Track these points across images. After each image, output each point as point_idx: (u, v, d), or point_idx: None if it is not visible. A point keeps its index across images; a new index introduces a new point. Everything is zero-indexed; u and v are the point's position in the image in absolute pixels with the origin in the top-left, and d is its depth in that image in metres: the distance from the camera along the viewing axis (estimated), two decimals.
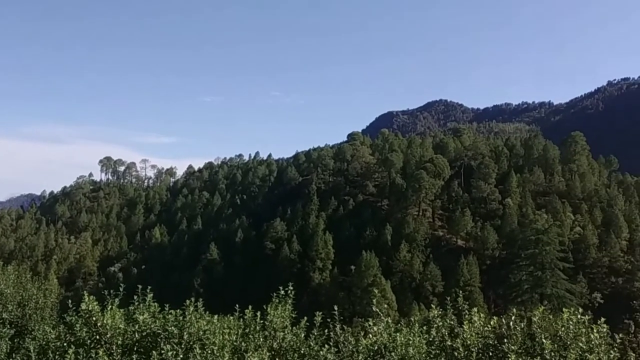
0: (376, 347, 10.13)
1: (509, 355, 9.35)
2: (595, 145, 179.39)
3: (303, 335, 10.80)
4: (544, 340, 9.56)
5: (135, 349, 10.19)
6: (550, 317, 10.27)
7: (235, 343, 10.48)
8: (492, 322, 10.20)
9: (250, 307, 11.21)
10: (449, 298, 11.78)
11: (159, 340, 10.18)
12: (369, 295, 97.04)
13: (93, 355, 9.67)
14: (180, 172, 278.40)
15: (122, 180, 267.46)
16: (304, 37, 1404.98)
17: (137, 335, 10.34)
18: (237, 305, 11.66)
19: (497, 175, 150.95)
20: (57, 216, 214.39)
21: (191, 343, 10.06)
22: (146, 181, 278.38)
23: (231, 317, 11.42)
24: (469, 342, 9.84)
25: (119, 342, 10.16)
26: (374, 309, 12.48)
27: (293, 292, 11.30)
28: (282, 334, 10.69)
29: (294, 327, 10.90)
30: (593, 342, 9.54)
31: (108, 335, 10.10)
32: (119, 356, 10.00)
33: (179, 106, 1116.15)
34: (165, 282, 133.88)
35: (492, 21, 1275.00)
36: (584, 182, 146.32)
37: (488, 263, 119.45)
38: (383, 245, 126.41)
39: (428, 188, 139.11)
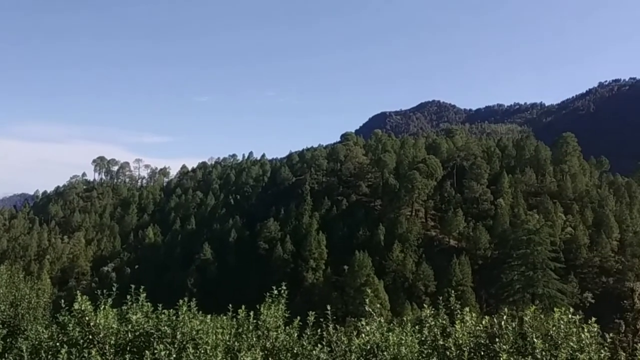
0: (369, 347, 10.17)
1: (500, 355, 9.40)
2: (586, 146, 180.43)
3: (296, 334, 10.82)
4: (535, 340, 9.61)
5: (128, 348, 10.18)
6: (542, 316, 10.33)
7: (228, 343, 10.49)
8: (484, 322, 10.25)
9: (243, 306, 11.21)
10: (441, 298, 11.85)
11: (152, 340, 10.16)
12: (362, 295, 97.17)
13: (86, 355, 9.65)
14: (173, 172, 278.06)
15: (115, 180, 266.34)
16: (299, 37, 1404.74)
17: (130, 335, 10.33)
18: (230, 305, 11.65)
19: (489, 176, 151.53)
20: (50, 216, 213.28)
21: (184, 343, 10.05)
22: (140, 181, 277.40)
23: (224, 317, 11.41)
24: (461, 342, 9.88)
25: (112, 342, 10.14)
26: (366, 308, 12.52)
27: (286, 292, 11.31)
28: (275, 333, 10.71)
29: (287, 327, 10.91)
30: (584, 342, 9.60)
31: (101, 335, 10.08)
32: (111, 356, 9.99)
33: (173, 106, 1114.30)
34: (158, 282, 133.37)
35: (485, 22, 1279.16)
36: (575, 183, 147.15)
37: (480, 263, 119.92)
38: (376, 245, 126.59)
39: (421, 188, 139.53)
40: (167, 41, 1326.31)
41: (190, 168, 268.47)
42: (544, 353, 9.48)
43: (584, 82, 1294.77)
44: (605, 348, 9.87)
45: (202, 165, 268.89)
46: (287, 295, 11.37)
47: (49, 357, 10.23)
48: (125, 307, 10.82)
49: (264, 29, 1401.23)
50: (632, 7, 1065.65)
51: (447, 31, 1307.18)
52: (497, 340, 9.75)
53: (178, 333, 10.20)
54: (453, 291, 15.66)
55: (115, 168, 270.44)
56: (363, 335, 10.40)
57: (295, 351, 10.56)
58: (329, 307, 10.90)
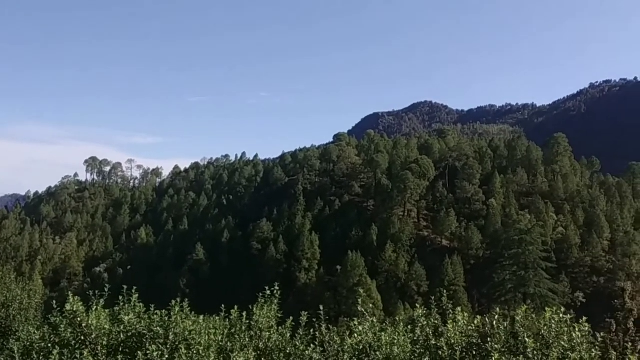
0: (361, 347, 10.20)
1: (492, 354, 9.45)
2: (577, 147, 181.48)
3: (289, 335, 10.84)
4: (526, 339, 9.67)
5: (120, 349, 10.16)
6: (533, 316, 10.39)
7: (221, 343, 10.49)
8: (475, 321, 10.29)
9: (236, 307, 11.22)
10: (433, 297, 11.88)
11: (145, 340, 10.14)
12: (354, 295, 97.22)
13: (78, 356, 9.62)
14: (166, 172, 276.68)
15: (107, 181, 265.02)
16: (293, 39, 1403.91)
17: (122, 336, 10.30)
18: (223, 306, 11.64)
19: (481, 176, 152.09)
20: (42, 216, 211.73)
21: (177, 343, 10.04)
22: (132, 181, 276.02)
23: (217, 318, 11.42)
24: (453, 341, 9.93)
25: (104, 343, 10.12)
26: (359, 308, 12.54)
27: (279, 292, 11.33)
28: (268, 333, 10.72)
29: (280, 327, 10.93)
30: (575, 341, 9.66)
31: (93, 336, 10.05)
32: (104, 357, 9.96)
33: (166, 107, 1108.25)
34: (151, 283, 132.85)
35: (477, 23, 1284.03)
36: (566, 183, 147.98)
37: (472, 263, 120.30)
38: (369, 246, 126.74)
39: (413, 189, 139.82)
40: (160, 42, 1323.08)
41: (182, 168, 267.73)
42: (535, 352, 9.54)
43: (575, 83, 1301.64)
44: (597, 347, 9.94)
45: (195, 166, 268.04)
46: (279, 295, 11.38)
47: (41, 358, 10.18)
48: (117, 307, 10.80)
49: (257, 30, 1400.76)
50: (622, 9, 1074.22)
51: (440, 32, 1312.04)
52: (489, 339, 9.80)
53: (170, 334, 10.19)
54: (445, 291, 15.71)
55: (108, 168, 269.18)
56: (356, 335, 10.42)
57: (288, 351, 10.57)
58: (321, 307, 10.93)
